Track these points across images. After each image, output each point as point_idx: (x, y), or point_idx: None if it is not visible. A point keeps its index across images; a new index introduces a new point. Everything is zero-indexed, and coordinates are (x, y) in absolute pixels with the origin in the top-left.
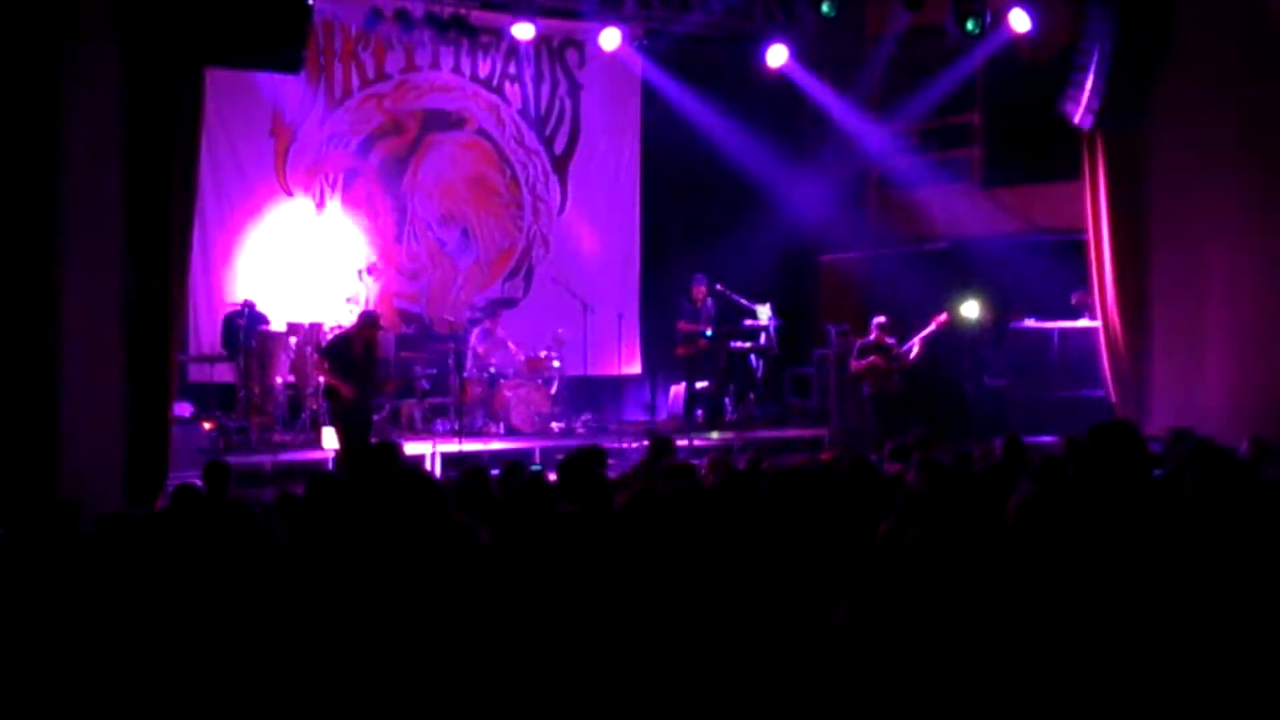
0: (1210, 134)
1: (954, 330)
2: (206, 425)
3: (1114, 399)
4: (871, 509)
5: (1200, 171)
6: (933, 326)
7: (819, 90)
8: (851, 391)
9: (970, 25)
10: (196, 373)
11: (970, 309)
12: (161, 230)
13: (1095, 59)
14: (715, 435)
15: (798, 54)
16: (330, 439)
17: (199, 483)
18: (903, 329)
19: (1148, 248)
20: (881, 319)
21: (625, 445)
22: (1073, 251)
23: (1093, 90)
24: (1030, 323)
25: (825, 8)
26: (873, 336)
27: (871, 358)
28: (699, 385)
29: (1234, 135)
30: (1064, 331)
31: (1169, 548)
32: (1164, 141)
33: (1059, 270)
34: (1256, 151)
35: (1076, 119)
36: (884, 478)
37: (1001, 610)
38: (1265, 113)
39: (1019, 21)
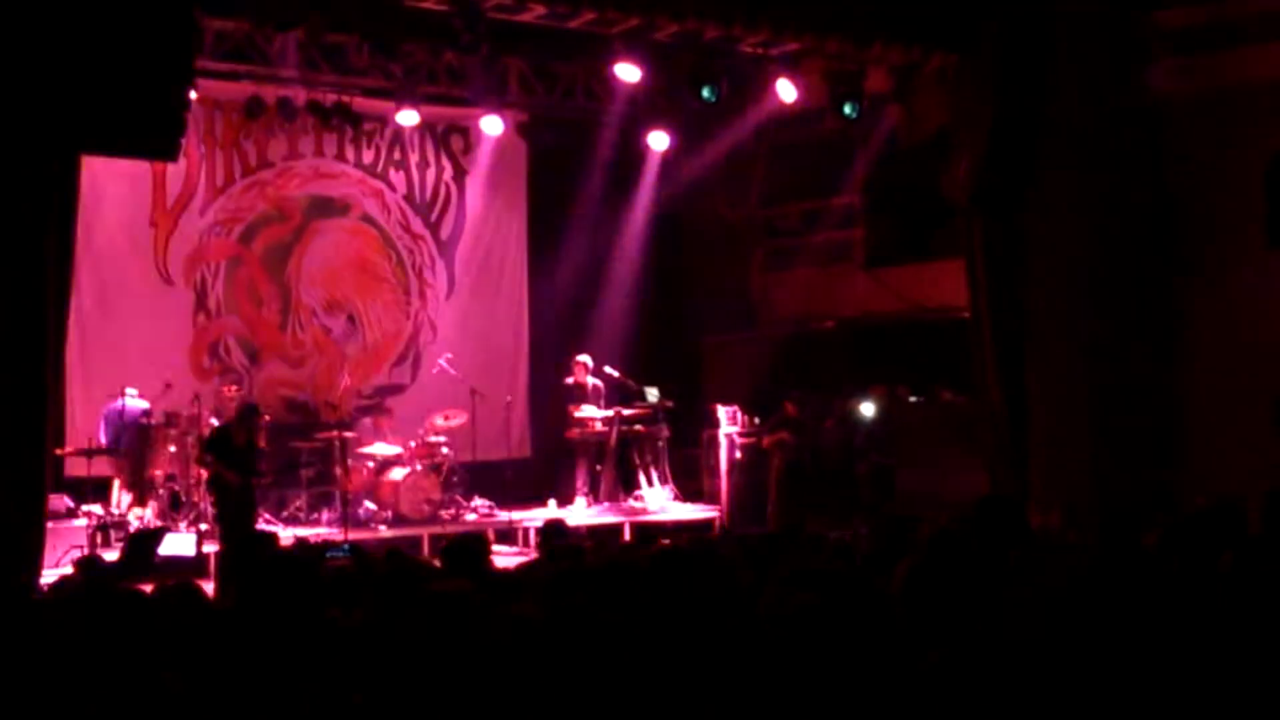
0: (1078, 213)
1: (849, 411)
2: (84, 520)
3: (995, 475)
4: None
5: (1069, 249)
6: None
7: (702, 172)
8: (741, 471)
9: (848, 109)
10: (74, 466)
11: (866, 401)
12: (35, 320)
13: (972, 139)
14: (608, 519)
15: (680, 138)
16: (174, 545)
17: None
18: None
19: (1025, 325)
20: (794, 395)
21: (516, 527)
22: (955, 329)
23: (970, 169)
24: (914, 399)
25: (705, 93)
26: (790, 410)
27: (781, 433)
28: (590, 468)
29: (1099, 214)
30: (949, 408)
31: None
32: (1038, 219)
33: (942, 348)
34: (1116, 230)
35: (955, 199)
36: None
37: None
38: (1129, 191)
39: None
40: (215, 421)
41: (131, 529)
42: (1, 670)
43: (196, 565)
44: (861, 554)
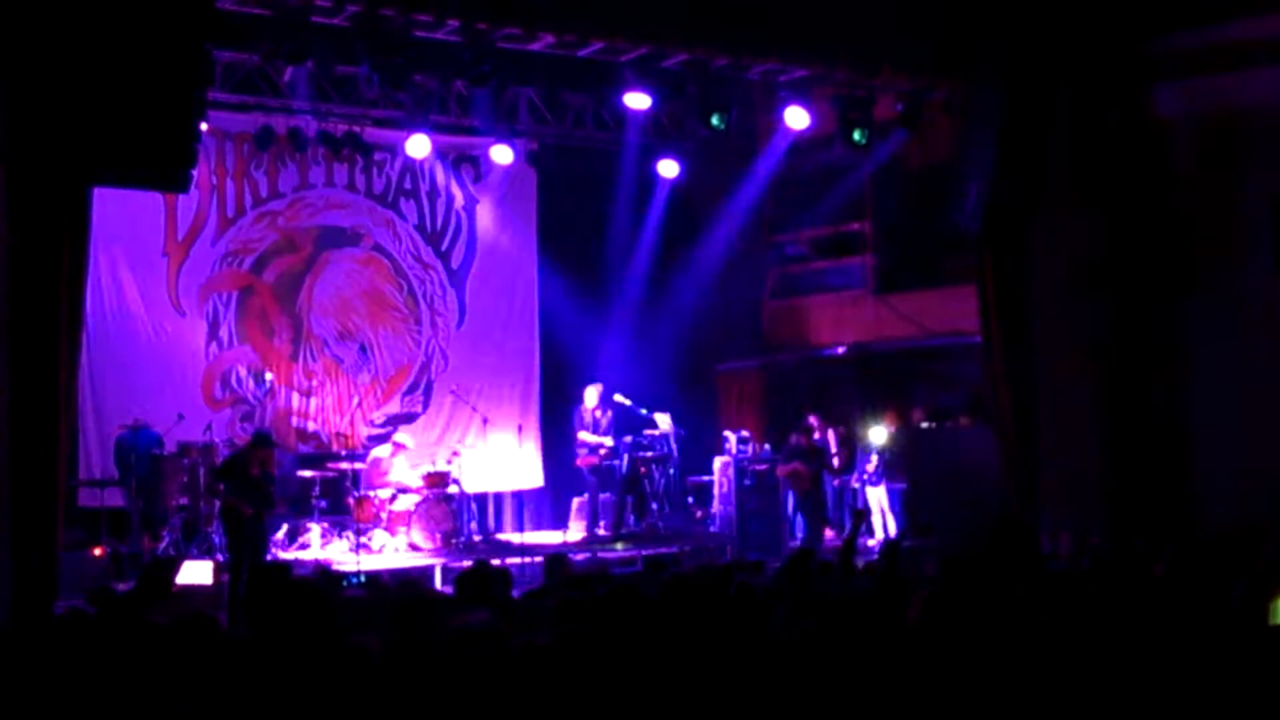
0: (1085, 236)
1: (861, 438)
2: (97, 552)
3: (1008, 499)
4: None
5: (1077, 273)
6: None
7: (712, 201)
8: (752, 498)
9: (857, 136)
10: (87, 497)
11: (879, 427)
12: (48, 351)
13: (979, 165)
14: (619, 547)
15: (690, 166)
16: (191, 573)
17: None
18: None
19: (1033, 350)
20: (813, 420)
21: (526, 560)
22: (966, 355)
23: (978, 196)
24: (926, 425)
25: (715, 121)
26: (803, 440)
27: (795, 464)
28: (601, 496)
29: (1106, 237)
30: (961, 433)
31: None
32: (1046, 244)
33: (954, 374)
34: (1123, 254)
35: (964, 225)
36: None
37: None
38: (1135, 215)
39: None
40: (227, 452)
41: (145, 560)
42: (16, 698)
43: (213, 596)
44: (871, 581)
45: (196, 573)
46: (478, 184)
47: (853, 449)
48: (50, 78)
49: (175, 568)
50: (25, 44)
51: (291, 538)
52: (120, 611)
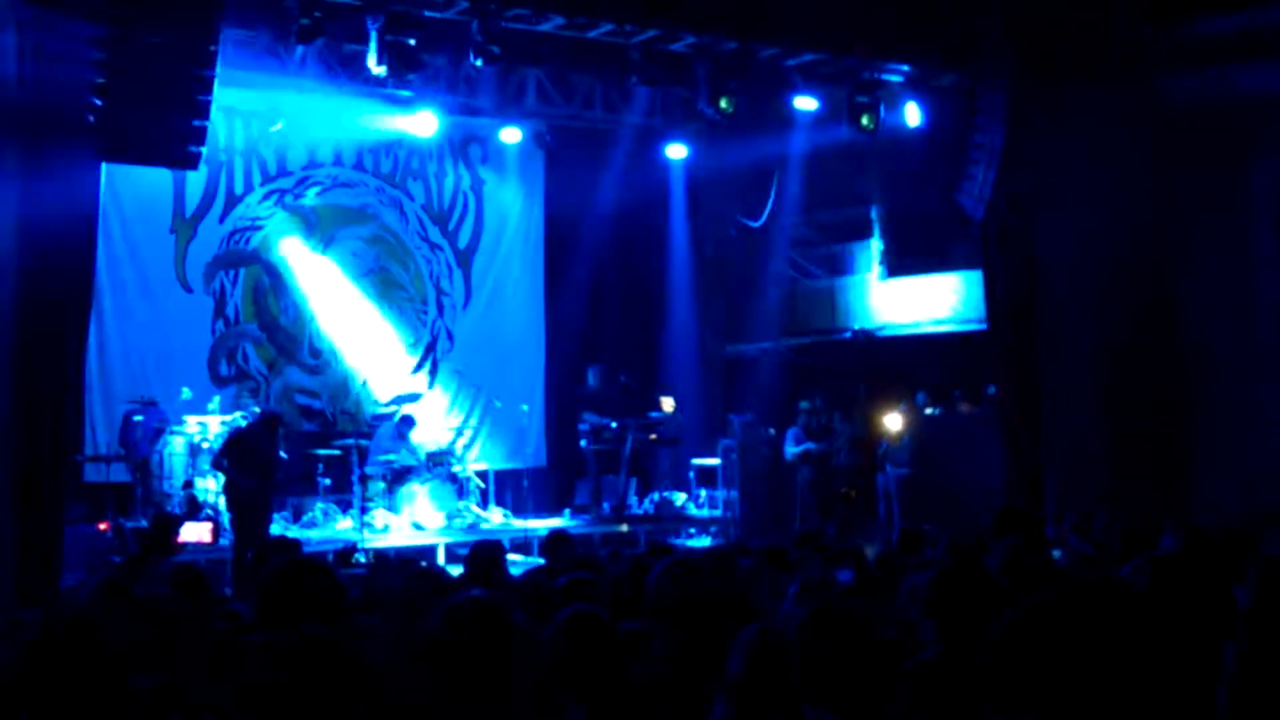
0: (1092, 223)
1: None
2: (102, 526)
3: (1011, 484)
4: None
5: (1083, 260)
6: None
7: (720, 184)
8: (759, 481)
9: (865, 121)
10: (92, 473)
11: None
12: (55, 327)
13: (987, 151)
14: (624, 528)
15: (698, 149)
16: (191, 532)
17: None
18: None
19: (1038, 335)
20: (816, 404)
21: (531, 539)
22: (972, 340)
23: (985, 181)
24: (931, 410)
25: (724, 104)
26: (812, 422)
27: (805, 444)
28: (605, 477)
29: (1112, 225)
30: (965, 419)
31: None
32: (1053, 230)
33: (960, 359)
34: (1129, 240)
35: (970, 210)
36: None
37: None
38: (1143, 203)
39: (912, 116)
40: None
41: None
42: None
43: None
44: (879, 564)
45: (196, 532)
46: (485, 164)
47: (863, 433)
48: (62, 54)
49: (178, 525)
50: (38, 20)
51: (296, 516)
52: (127, 569)
